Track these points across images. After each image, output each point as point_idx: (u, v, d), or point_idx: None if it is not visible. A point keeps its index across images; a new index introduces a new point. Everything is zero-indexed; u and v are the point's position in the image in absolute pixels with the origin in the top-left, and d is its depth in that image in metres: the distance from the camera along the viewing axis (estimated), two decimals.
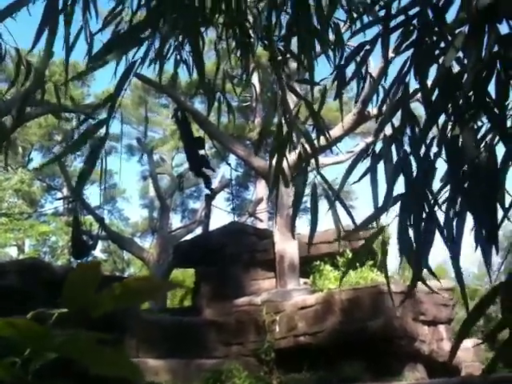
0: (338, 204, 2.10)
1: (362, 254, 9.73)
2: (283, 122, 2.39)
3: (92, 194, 30.85)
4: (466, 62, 1.51)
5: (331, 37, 2.92)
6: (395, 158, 1.66)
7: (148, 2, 2.25)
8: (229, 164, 13.52)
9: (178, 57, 3.01)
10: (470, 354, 11.74)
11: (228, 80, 3.20)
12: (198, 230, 17.59)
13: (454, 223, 1.54)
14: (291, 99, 12.59)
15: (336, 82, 2.20)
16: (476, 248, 1.56)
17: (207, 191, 15.36)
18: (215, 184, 18.41)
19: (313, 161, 2.42)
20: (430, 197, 1.60)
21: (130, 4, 2.54)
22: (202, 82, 2.54)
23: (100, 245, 21.96)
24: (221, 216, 61.55)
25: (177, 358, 9.22)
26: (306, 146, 2.34)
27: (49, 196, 27.25)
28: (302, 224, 26.67)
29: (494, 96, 1.52)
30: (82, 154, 30.03)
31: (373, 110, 12.72)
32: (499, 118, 1.48)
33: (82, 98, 23.03)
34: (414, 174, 1.61)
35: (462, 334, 1.61)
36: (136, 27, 2.16)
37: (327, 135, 2.75)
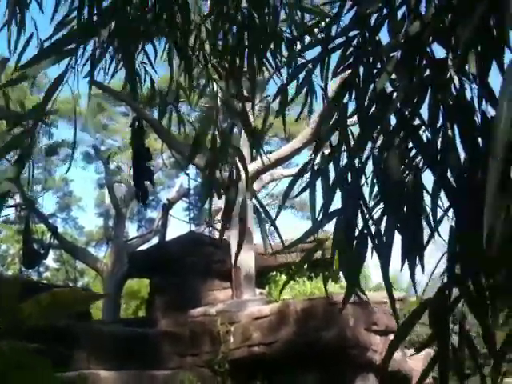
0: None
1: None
2: (217, 135, 2.41)
3: (46, 202, 30.07)
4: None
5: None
6: (333, 175, 1.72)
7: (93, 11, 2.24)
8: (187, 174, 13.48)
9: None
10: (421, 364, 12.02)
11: (183, 90, 3.21)
12: (155, 240, 17.42)
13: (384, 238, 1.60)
14: (251, 112, 12.56)
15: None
16: (402, 265, 1.63)
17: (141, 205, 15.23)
18: (173, 194, 18.28)
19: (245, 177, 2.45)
20: (365, 211, 1.65)
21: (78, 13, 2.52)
22: (135, 98, 2.54)
23: (53, 254, 21.43)
24: (179, 226, 61.06)
25: (129, 370, 9.07)
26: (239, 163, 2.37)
27: None
28: (259, 235, 26.74)
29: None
30: (38, 161, 29.30)
31: None
32: (426, 144, 1.55)
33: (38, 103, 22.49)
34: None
35: (394, 346, 1.68)
36: (69, 36, 2.15)
37: (263, 155, 2.79)
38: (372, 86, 1.57)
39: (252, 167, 12.46)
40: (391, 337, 9.14)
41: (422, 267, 1.63)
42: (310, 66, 1.95)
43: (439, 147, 1.54)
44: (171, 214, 16.54)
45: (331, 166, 1.74)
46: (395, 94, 1.56)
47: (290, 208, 27.53)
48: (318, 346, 8.98)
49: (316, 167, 1.76)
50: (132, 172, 9.63)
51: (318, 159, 1.77)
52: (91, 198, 29.92)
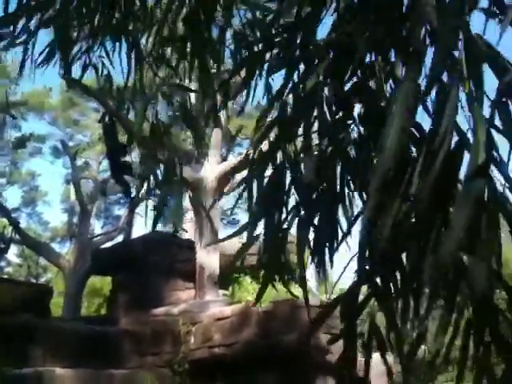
0: None
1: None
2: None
3: (11, 196, 29.42)
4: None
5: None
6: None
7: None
8: (155, 173, 13.33)
9: (87, 60, 2.99)
10: (381, 367, 12.19)
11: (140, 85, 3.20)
12: (120, 238, 17.20)
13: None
14: (223, 115, 12.48)
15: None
16: (313, 260, 1.67)
17: (127, 200, 15.08)
18: (141, 191, 18.09)
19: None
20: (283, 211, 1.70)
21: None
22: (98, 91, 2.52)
23: (16, 249, 20.97)
24: (147, 224, 60.31)
25: (87, 368, 8.94)
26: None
27: None
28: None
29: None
30: (4, 154, 28.67)
31: None
32: (339, 143, 1.60)
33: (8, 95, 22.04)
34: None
35: (305, 339, 1.73)
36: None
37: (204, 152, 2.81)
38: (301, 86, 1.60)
39: (222, 168, 12.46)
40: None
41: (331, 263, 1.68)
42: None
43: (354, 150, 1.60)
44: (137, 212, 16.39)
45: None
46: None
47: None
48: (278, 349, 9.03)
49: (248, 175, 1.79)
50: (109, 168, 9.52)
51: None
52: (58, 194, 29.42)
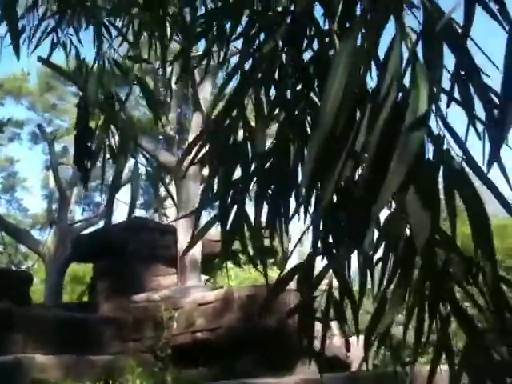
0: None
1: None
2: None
3: None
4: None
5: None
6: None
7: None
8: (134, 157, 13.18)
9: (55, 39, 2.91)
10: (358, 351, 12.34)
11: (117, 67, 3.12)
12: (101, 224, 17.06)
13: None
14: (203, 97, 12.44)
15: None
16: (268, 226, 1.67)
17: (83, 186, 14.87)
18: (122, 177, 17.93)
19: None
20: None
21: None
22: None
23: None
24: (126, 211, 60.00)
25: (68, 355, 8.90)
26: None
27: None
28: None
29: None
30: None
31: None
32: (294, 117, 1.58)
33: None
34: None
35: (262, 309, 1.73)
36: None
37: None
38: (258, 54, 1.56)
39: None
40: (332, 324, 9.34)
41: (287, 233, 1.68)
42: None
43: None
44: (118, 198, 16.22)
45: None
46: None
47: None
48: (259, 332, 9.07)
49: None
50: (74, 151, 9.39)
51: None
52: (38, 180, 29.05)
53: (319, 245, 1.58)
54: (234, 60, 2.19)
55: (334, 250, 1.58)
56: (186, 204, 11.58)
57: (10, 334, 8.66)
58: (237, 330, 9.24)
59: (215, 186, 1.69)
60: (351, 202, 1.36)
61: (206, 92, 13.41)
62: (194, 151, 1.76)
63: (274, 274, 9.40)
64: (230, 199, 1.65)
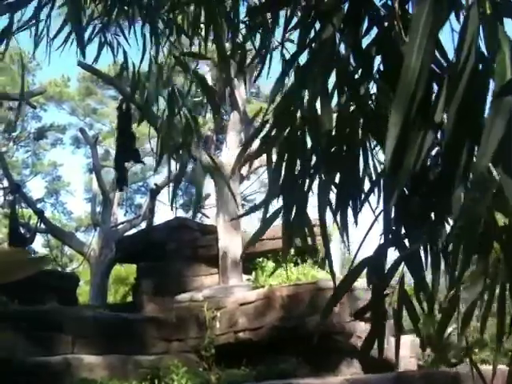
0: None
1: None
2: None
3: (35, 187, 29.81)
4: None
5: None
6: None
7: None
8: (174, 158, 13.30)
9: (103, 39, 2.92)
10: (407, 350, 12.09)
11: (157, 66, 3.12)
12: (143, 225, 17.31)
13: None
14: (239, 96, 12.43)
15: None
16: (335, 215, 1.58)
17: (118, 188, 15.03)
18: (162, 179, 18.16)
19: None
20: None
21: None
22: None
23: (42, 239, 21.30)
24: (168, 211, 60.89)
25: (114, 355, 9.05)
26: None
27: None
28: (248, 221, 26.81)
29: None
30: (26, 145, 29.07)
31: None
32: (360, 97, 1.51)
33: (27, 86, 22.23)
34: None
35: (330, 304, 1.64)
36: None
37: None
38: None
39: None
40: None
41: (356, 222, 1.59)
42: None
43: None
44: (159, 200, 16.44)
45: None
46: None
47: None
48: (302, 332, 9.00)
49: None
50: (115, 153, 9.55)
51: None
52: (80, 184, 29.74)
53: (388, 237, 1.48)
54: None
55: (405, 241, 1.48)
56: (226, 203, 11.60)
57: (59, 335, 8.87)
58: (278, 329, 9.20)
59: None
60: (427, 186, 1.30)
61: (241, 91, 13.40)
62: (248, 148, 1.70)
63: (316, 273, 9.24)
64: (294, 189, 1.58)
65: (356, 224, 1.60)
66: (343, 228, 1.59)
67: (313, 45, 1.51)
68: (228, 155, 12.53)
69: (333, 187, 1.56)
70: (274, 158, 1.68)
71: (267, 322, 9.36)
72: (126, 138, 8.76)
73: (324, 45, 1.43)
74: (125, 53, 3.02)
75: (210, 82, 22.11)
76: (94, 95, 26.08)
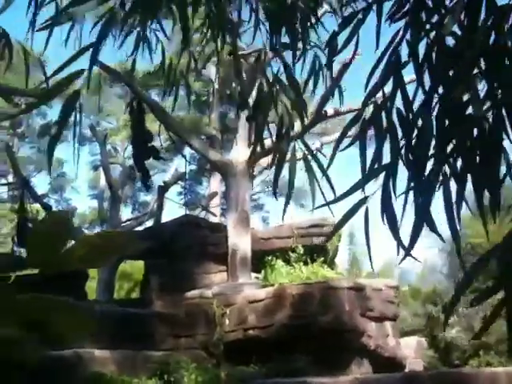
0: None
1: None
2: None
3: (39, 183, 29.82)
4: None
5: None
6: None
7: None
8: (184, 156, 13.38)
9: (141, 33, 2.92)
10: (412, 351, 12.11)
11: (193, 62, 3.12)
12: (150, 223, 17.31)
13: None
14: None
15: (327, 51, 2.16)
16: (480, 206, 1.54)
17: (160, 183, 15.13)
18: (168, 177, 18.18)
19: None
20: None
21: None
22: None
23: None
24: (172, 210, 61.02)
25: (124, 350, 9.05)
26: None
27: None
28: (256, 220, 26.85)
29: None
30: (31, 141, 29.08)
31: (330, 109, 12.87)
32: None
33: (40, 83, 22.28)
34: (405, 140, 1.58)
35: (458, 293, 1.58)
36: None
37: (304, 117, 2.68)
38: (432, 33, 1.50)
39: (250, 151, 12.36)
40: (386, 323, 9.21)
41: (498, 210, 1.55)
42: (360, 16, 1.88)
43: None
44: (167, 197, 16.44)
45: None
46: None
47: (284, 196, 27.50)
48: (312, 331, 9.01)
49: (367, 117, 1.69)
50: (132, 153, 9.53)
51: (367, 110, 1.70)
52: (84, 180, 29.73)
53: None
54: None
55: None
56: (236, 201, 11.61)
57: None
58: (288, 327, 9.20)
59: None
60: None
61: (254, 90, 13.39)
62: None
63: (326, 272, 9.24)
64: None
65: (499, 212, 1.54)
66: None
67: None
68: (237, 153, 12.52)
69: None
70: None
71: (277, 319, 9.36)
72: (142, 137, 8.76)
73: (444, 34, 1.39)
74: (163, 49, 3.03)
75: (216, 82, 22.14)
76: (100, 93, 26.05)
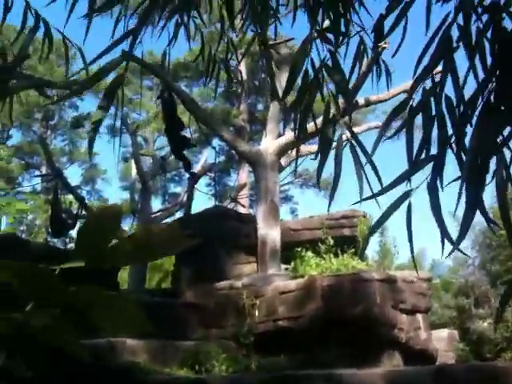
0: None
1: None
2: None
3: (72, 174, 30.36)
4: None
5: None
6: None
7: None
8: (214, 147, 13.42)
9: (179, 20, 2.90)
10: (444, 344, 11.97)
11: (231, 49, 3.10)
12: (180, 214, 17.50)
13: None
14: (280, 86, 12.34)
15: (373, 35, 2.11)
16: None
17: (188, 175, 15.19)
18: (198, 168, 18.30)
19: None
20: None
21: None
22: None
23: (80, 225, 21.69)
24: (200, 202, 61.46)
25: (156, 339, 9.16)
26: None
27: (27, 174, 26.82)
28: (284, 211, 26.83)
29: None
30: (63, 133, 29.60)
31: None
32: None
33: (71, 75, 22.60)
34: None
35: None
36: None
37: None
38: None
39: (280, 142, 12.33)
40: (418, 316, 9.13)
41: None
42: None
43: None
44: (197, 188, 16.56)
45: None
46: None
47: (312, 188, 27.43)
48: (343, 323, 8.96)
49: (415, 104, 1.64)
50: (169, 144, 9.65)
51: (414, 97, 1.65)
52: (115, 172, 30.15)
53: None
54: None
55: None
56: (265, 192, 11.61)
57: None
58: (319, 319, 9.17)
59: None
60: None
61: (282, 81, 13.34)
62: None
63: (356, 264, 9.18)
64: None
65: None
66: None
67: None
68: (267, 144, 12.50)
69: None
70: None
71: (307, 311, 9.34)
72: (176, 128, 8.87)
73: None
74: (202, 36, 3.01)
75: (244, 73, 22.08)
76: (130, 85, 26.34)
